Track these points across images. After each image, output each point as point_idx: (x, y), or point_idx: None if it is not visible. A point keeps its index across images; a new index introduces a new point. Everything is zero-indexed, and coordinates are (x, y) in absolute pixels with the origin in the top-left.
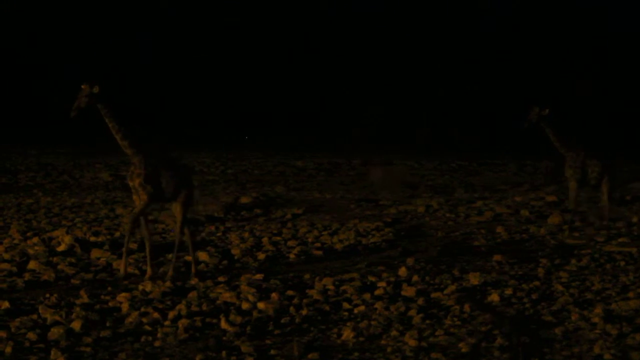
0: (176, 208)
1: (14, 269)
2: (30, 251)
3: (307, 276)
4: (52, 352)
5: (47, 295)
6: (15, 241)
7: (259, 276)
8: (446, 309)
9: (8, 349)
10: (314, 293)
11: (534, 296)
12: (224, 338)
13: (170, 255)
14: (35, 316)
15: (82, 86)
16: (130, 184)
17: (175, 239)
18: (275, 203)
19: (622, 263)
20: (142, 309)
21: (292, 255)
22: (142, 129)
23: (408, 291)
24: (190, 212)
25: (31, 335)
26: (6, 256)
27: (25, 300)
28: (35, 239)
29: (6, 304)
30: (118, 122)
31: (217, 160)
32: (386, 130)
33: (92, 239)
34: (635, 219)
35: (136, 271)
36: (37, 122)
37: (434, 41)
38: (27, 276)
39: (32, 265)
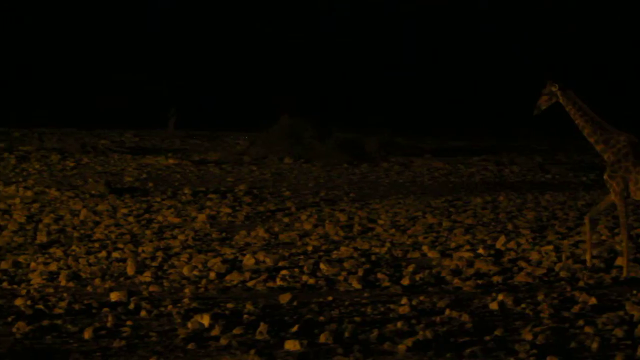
0: None
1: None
2: (618, 247)
3: None
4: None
5: (634, 292)
6: (603, 237)
7: None
8: None
9: (594, 345)
10: None
11: None
12: None
13: None
14: (622, 312)
15: (551, 86)
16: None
17: None
18: None
19: None
20: None
21: None
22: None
23: None
24: None
25: (618, 332)
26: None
27: (612, 297)
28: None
29: (593, 300)
30: (584, 117)
31: None
32: None
33: None
34: None
35: None
36: None
37: None
38: (614, 272)
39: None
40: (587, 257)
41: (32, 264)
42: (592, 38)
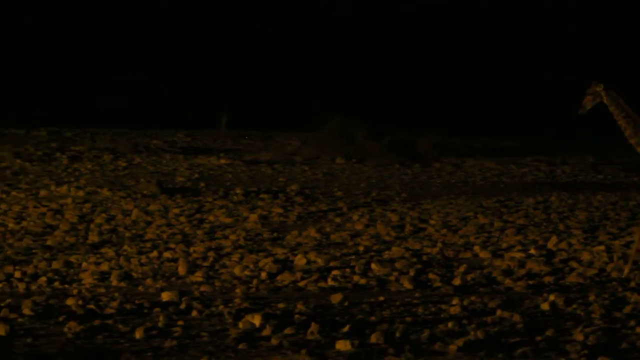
0: None
1: None
2: None
3: None
4: None
5: None
6: None
7: None
8: None
9: None
10: None
11: None
12: None
13: None
14: None
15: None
16: None
17: None
18: None
19: None
20: None
21: None
22: None
23: None
24: None
25: None
26: None
27: None
28: None
29: None
30: (626, 119)
31: None
32: None
33: None
34: None
35: None
36: None
37: None
38: None
39: None
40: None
41: (84, 264)
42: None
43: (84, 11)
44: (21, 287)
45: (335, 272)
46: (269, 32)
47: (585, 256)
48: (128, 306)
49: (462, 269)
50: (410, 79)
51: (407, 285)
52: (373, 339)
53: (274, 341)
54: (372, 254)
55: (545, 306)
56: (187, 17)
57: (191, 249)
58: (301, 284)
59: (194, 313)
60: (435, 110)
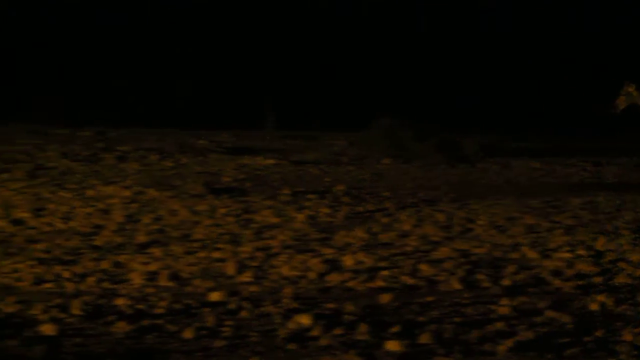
0: None
1: None
2: None
3: None
4: None
5: None
6: None
7: None
8: None
9: None
10: None
11: None
12: None
13: None
14: None
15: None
16: None
17: None
18: None
19: None
20: None
21: None
22: None
23: None
24: None
25: None
26: None
27: None
28: None
29: None
30: None
31: None
32: None
33: None
34: None
35: None
36: None
37: None
38: None
39: None
40: None
41: (132, 264)
42: None
43: (133, 11)
44: (70, 287)
45: (383, 273)
46: (317, 31)
47: (634, 257)
48: (177, 306)
49: (511, 269)
50: (456, 79)
51: (456, 285)
52: (422, 339)
53: (323, 341)
54: (420, 254)
55: (594, 306)
56: (235, 15)
57: (239, 249)
58: (350, 284)
59: (243, 313)
60: (481, 111)
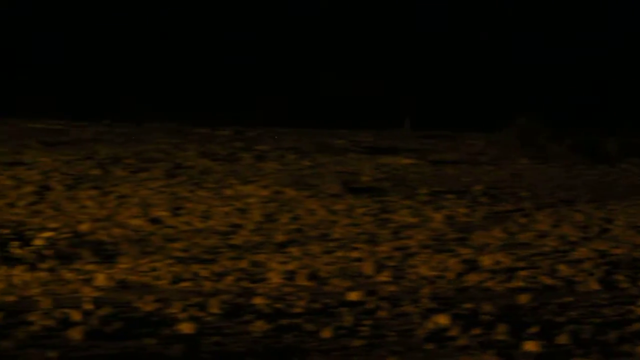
0: None
1: None
2: None
3: None
4: None
5: None
6: None
7: None
8: None
9: None
10: None
11: None
12: None
13: None
14: None
15: None
16: None
17: None
18: None
19: None
20: None
21: None
22: None
23: None
24: None
25: None
26: None
27: None
28: None
29: None
30: None
31: None
32: None
33: None
34: None
35: None
36: None
37: None
38: None
39: None
40: None
41: (270, 263)
42: None
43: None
44: (208, 285)
45: (522, 273)
46: (455, 31)
47: None
48: (315, 305)
49: None
50: (594, 78)
51: (595, 286)
52: (561, 339)
53: (461, 341)
54: (559, 254)
55: None
56: (374, 15)
57: (377, 249)
58: (488, 284)
59: (381, 313)
60: (620, 110)
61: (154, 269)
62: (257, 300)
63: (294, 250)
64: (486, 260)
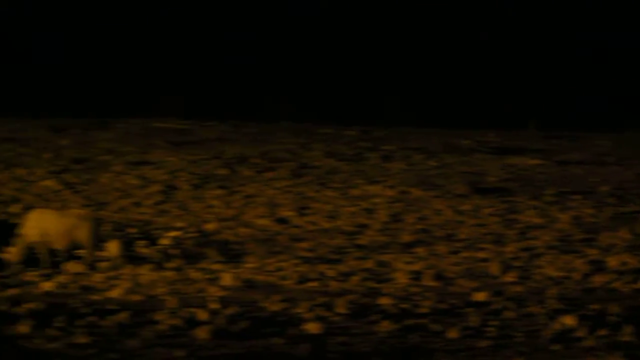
0: None
1: None
2: None
3: None
4: None
5: None
6: None
7: None
8: None
9: None
10: None
11: None
12: None
13: None
14: None
15: None
16: None
17: None
18: None
19: None
20: None
21: None
22: None
23: None
24: None
25: None
26: None
27: None
28: None
29: None
30: None
31: None
32: None
33: None
34: None
35: None
36: None
37: None
38: None
39: None
40: None
41: (397, 263)
42: None
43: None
44: (335, 285)
45: None
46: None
47: None
48: (441, 306)
49: None
50: None
51: None
52: None
53: (587, 342)
54: None
55: None
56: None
57: (503, 249)
58: (614, 285)
59: (508, 313)
60: None
61: (280, 269)
62: (383, 300)
63: (420, 251)
64: (612, 261)
